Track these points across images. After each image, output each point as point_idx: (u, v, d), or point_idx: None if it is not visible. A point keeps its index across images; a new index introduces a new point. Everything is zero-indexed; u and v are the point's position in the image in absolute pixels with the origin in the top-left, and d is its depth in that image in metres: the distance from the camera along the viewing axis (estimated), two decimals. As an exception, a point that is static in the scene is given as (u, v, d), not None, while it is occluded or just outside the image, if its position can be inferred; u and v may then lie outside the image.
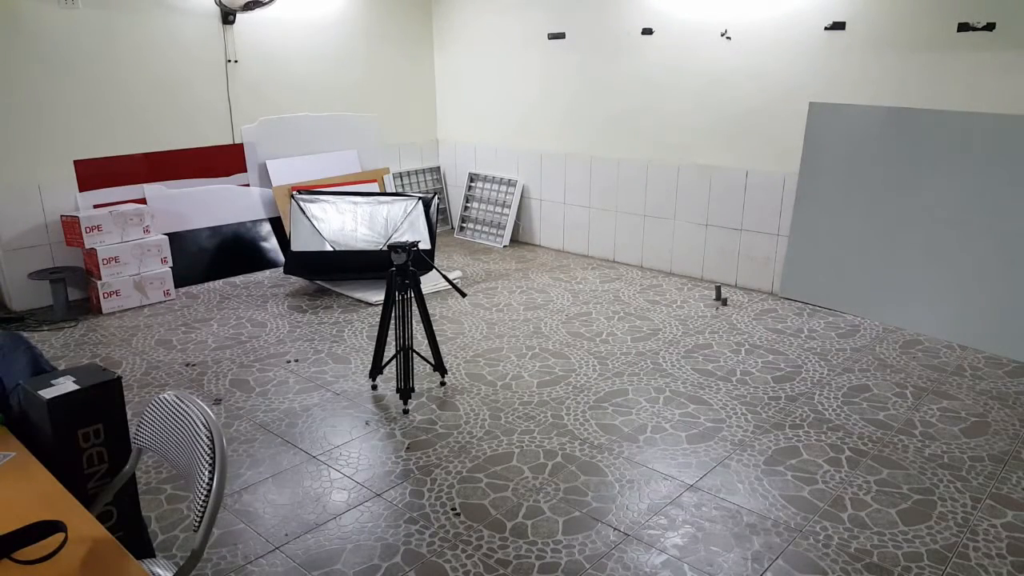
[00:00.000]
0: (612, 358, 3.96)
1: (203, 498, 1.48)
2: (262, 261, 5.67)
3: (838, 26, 4.36)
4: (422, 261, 3.62)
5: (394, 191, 6.46)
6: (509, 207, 6.39)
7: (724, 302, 4.82)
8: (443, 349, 3.99)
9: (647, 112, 5.39)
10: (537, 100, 6.08)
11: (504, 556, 2.39)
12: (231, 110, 5.51)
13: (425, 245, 5.01)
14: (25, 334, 2.15)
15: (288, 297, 5.02)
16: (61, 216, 4.74)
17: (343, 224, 5.23)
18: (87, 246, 4.63)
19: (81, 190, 4.86)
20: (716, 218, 5.19)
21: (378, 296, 4.77)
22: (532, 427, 3.22)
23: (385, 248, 5.07)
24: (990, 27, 3.84)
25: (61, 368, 1.92)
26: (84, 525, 1.40)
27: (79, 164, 4.84)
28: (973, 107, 3.96)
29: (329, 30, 5.95)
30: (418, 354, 3.54)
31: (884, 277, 4.40)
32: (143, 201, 5.09)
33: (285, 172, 5.83)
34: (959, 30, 3.94)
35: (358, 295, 4.96)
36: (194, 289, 5.19)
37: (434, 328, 3.64)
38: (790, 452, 3.00)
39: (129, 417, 1.93)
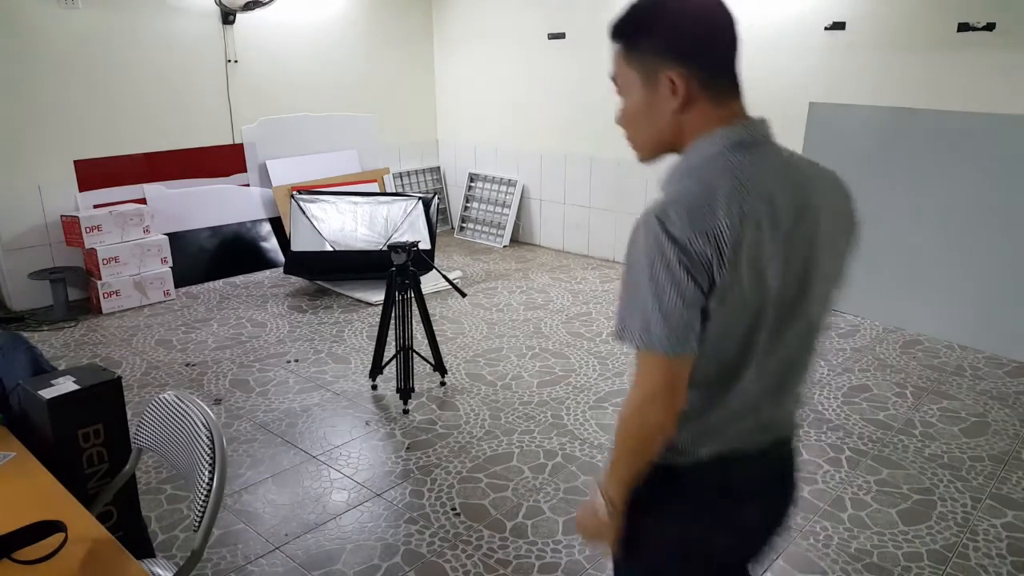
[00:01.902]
0: (612, 358, 3.96)
1: (203, 498, 1.48)
2: (262, 261, 5.67)
3: (838, 26, 4.36)
4: (422, 261, 3.63)
5: (394, 191, 6.46)
6: (509, 207, 6.39)
7: (724, 302, 4.81)
8: (443, 349, 3.99)
9: (647, 112, 5.38)
10: (537, 100, 6.08)
11: (504, 556, 2.39)
12: (231, 110, 5.51)
13: (425, 245, 5.01)
14: (25, 334, 2.15)
15: (288, 297, 5.02)
16: (61, 216, 4.74)
17: (343, 224, 5.23)
18: (87, 246, 4.63)
19: (81, 190, 4.86)
20: (716, 218, 5.17)
21: (378, 296, 4.76)
22: (532, 427, 3.22)
23: (385, 248, 5.07)
24: (990, 27, 3.84)
25: (61, 368, 1.92)
26: (84, 525, 1.40)
27: (79, 164, 4.84)
28: (973, 107, 3.96)
29: (329, 30, 5.95)
30: (418, 354, 3.54)
31: (884, 277, 4.39)
32: (143, 201, 5.09)
33: (285, 172, 5.83)
34: (959, 30, 3.94)
35: (358, 295, 4.96)
36: (194, 289, 5.19)
37: (434, 328, 3.64)
38: (790, 452, 3.00)
39: (129, 417, 1.93)
